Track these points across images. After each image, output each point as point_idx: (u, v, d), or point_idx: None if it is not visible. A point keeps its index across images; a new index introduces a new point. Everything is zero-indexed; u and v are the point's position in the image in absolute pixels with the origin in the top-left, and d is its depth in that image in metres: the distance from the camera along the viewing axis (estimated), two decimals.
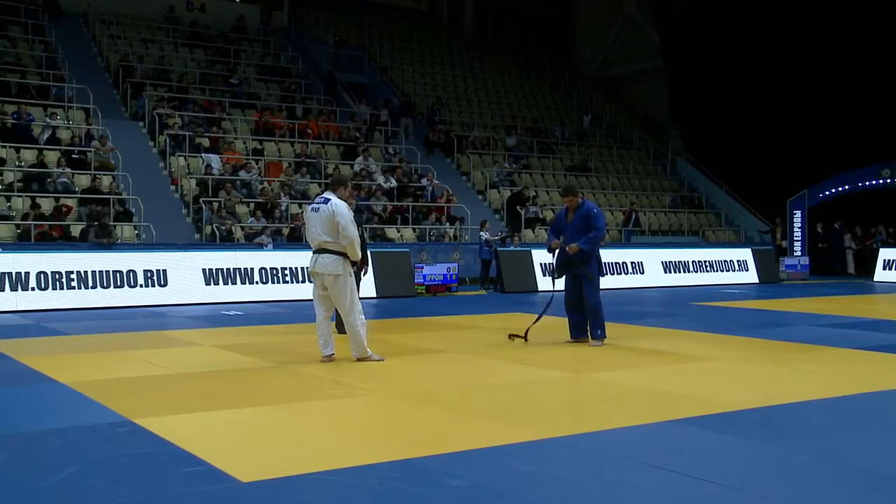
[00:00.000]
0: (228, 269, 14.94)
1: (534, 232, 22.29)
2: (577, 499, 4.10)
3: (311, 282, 8.35)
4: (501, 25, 35.81)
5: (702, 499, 4.07)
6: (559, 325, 9.80)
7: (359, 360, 8.03)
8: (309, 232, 8.13)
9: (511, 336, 9.65)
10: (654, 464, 4.59)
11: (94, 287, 13.82)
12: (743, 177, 26.23)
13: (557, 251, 9.45)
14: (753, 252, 21.92)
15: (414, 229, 20.64)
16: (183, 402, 6.31)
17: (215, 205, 18.38)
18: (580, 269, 9.30)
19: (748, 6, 26.06)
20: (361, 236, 8.94)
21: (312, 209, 8.05)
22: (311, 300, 8.32)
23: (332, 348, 8.14)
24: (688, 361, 8.23)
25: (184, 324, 11.84)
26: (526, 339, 9.47)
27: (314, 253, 8.00)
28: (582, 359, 8.50)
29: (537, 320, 9.69)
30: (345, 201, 8.04)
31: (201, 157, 20.05)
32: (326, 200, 7.92)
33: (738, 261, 21.35)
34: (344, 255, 7.85)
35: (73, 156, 18.68)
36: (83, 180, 18.06)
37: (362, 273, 8.26)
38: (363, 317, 8.04)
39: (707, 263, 20.83)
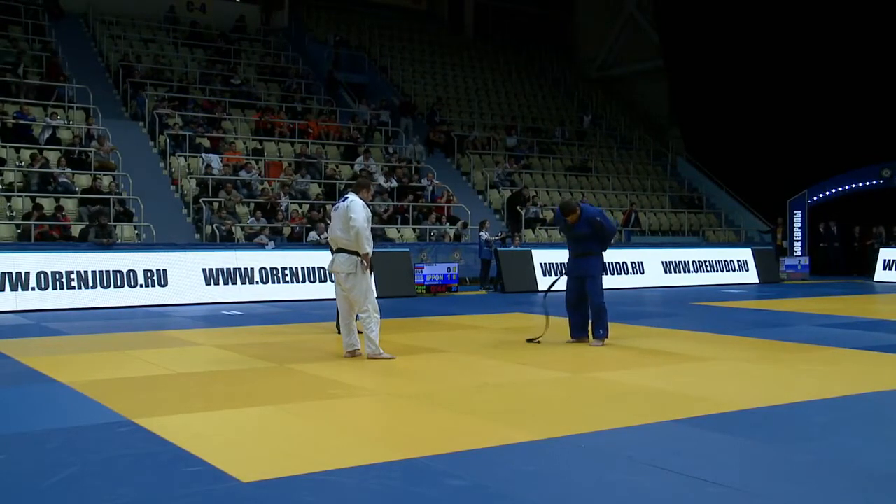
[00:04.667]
0: (228, 269, 14.93)
1: (534, 232, 22.29)
2: (577, 499, 4.10)
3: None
4: (502, 25, 35.79)
5: (702, 499, 4.06)
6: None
7: (370, 357, 8.09)
8: (330, 232, 8.33)
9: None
10: (654, 464, 4.59)
11: (94, 287, 13.82)
12: (743, 177, 26.21)
13: (568, 262, 9.56)
14: (754, 252, 21.91)
15: (414, 229, 20.63)
16: (183, 402, 6.31)
17: (215, 205, 18.37)
18: (583, 271, 9.39)
19: (748, 6, 26.04)
20: None
21: (334, 209, 8.30)
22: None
23: (354, 345, 8.26)
24: (688, 361, 8.23)
25: (184, 324, 11.83)
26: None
27: (333, 253, 8.18)
28: (582, 359, 8.50)
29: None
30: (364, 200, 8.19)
31: (201, 157, 20.04)
32: (345, 199, 8.14)
33: (738, 261, 21.34)
34: (358, 254, 7.97)
35: (74, 156, 18.68)
36: (83, 180, 18.06)
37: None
38: (378, 315, 8.15)
39: (707, 263, 20.82)
